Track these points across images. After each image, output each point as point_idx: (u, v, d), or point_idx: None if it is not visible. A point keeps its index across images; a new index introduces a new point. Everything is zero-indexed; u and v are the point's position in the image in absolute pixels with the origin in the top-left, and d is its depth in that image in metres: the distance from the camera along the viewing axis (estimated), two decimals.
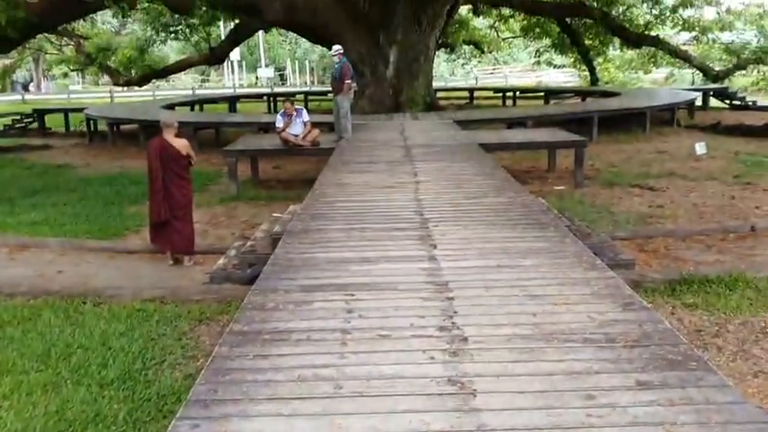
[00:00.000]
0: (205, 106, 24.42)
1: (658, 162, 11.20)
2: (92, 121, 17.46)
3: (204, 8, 18.97)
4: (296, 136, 9.78)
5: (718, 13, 26.76)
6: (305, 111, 10.05)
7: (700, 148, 11.59)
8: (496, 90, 28.02)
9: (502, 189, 5.95)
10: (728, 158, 11.39)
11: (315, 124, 11.12)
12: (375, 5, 17.90)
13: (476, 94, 28.50)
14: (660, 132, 15.12)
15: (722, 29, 25.68)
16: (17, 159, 14.36)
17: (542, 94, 24.91)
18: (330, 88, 12.20)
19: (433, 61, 19.89)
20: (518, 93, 26.28)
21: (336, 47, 10.84)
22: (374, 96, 17.85)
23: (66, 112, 21.16)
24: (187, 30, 23.71)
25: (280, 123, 9.86)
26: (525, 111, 15.92)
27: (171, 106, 19.66)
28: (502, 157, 10.89)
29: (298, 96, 28.94)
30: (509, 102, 25.52)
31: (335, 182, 6.61)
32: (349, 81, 10.47)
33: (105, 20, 35.82)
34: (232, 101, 24.55)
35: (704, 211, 7.65)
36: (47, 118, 20.68)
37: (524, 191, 5.86)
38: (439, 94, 23.95)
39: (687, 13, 24.91)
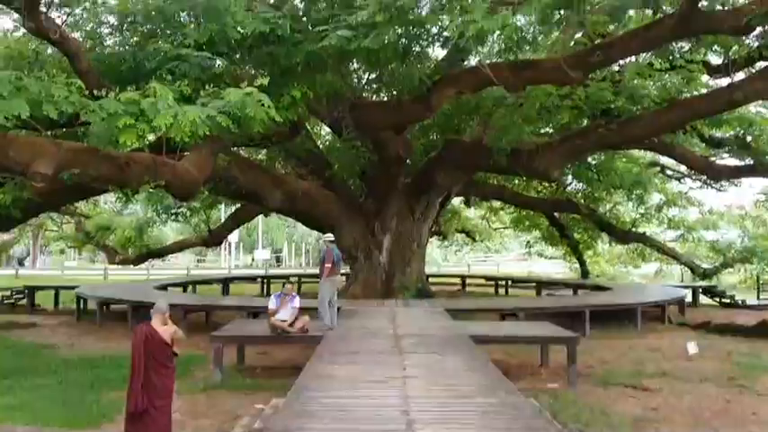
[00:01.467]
0: (199, 287, 24.49)
1: (652, 361, 11.03)
2: (82, 300, 17.40)
3: (207, 193, 19.73)
4: (284, 321, 9.67)
5: (702, 214, 27.94)
6: (298, 297, 10.04)
7: (692, 348, 11.50)
8: (488, 278, 28.37)
9: (493, 388, 5.78)
10: (722, 359, 11.24)
11: (305, 310, 11.15)
12: (371, 197, 18.65)
13: (468, 281, 28.83)
14: (652, 329, 15.08)
15: (707, 228, 26.66)
16: (0, 338, 14.11)
17: (534, 284, 25.15)
18: None
19: (425, 248, 20.34)
20: (510, 282, 26.55)
21: (328, 234, 11.25)
22: (367, 281, 18.02)
23: (57, 289, 21.18)
24: (188, 212, 24.45)
25: (272, 305, 9.80)
26: (517, 302, 15.98)
27: (164, 287, 19.71)
28: (493, 349, 10.78)
29: (291, 279, 29.28)
30: (501, 290, 25.73)
31: (321, 374, 6.44)
32: (329, 265, 10.67)
33: (108, 199, 37.05)
34: (225, 282, 24.69)
35: (699, 416, 7.39)
36: (37, 294, 20.64)
37: (516, 391, 5.68)
38: (431, 280, 24.21)
39: (672, 212, 26.02)
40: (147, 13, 12.27)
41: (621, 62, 14.41)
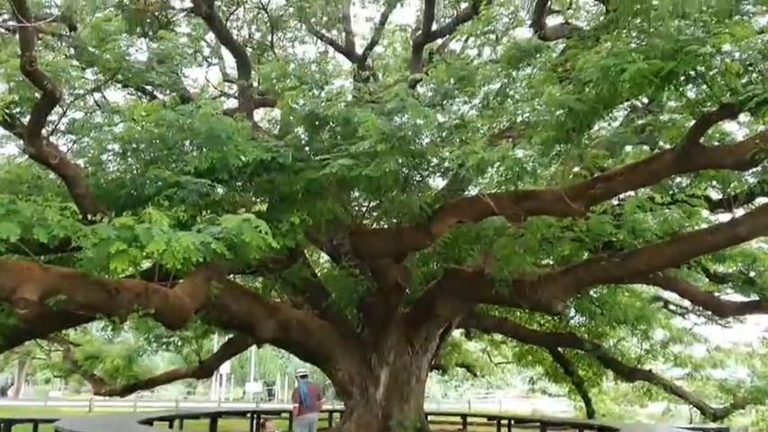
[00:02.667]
0: (186, 422, 23.34)
1: None
2: None
3: (199, 321, 19.19)
4: None
5: (708, 351, 27.18)
6: None
7: None
8: (491, 417, 27.12)
9: None
10: None
11: None
12: (369, 327, 18.11)
13: (469, 419, 27.55)
14: None
15: (714, 366, 25.84)
16: None
17: (538, 424, 24.00)
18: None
19: (425, 383, 19.49)
20: (513, 421, 25.32)
21: (301, 370, 10.94)
22: (362, 419, 17.09)
23: (36, 422, 20.09)
24: (179, 341, 23.76)
25: None
26: None
27: (149, 421, 18.66)
28: None
29: (284, 414, 28.00)
30: (503, 429, 24.48)
31: None
32: (296, 405, 10.29)
33: (99, 327, 36.22)
34: (214, 417, 23.49)
35: None
36: (15, 428, 19.53)
37: None
38: (430, 418, 23.10)
39: (677, 348, 25.29)
40: (149, 141, 12.41)
41: (622, 196, 14.41)
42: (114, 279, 10.58)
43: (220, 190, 11.99)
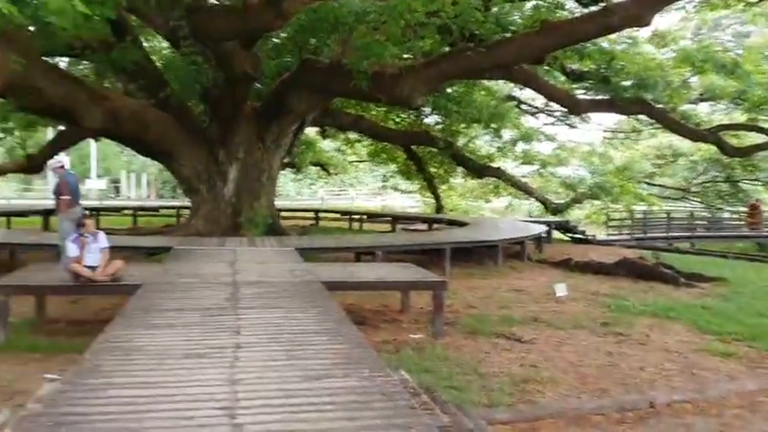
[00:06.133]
0: (15, 219, 21.28)
1: (519, 304, 10.25)
2: None
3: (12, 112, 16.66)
4: (91, 268, 7.70)
5: (554, 150, 28.31)
6: (102, 234, 8.02)
7: (560, 290, 10.87)
8: (343, 213, 27.18)
9: (352, 361, 4.39)
10: (588, 300, 10.69)
11: (125, 250, 9.23)
12: (215, 122, 16.54)
13: (322, 215, 27.51)
14: (512, 267, 14.53)
15: (559, 164, 27.02)
16: None
17: (389, 218, 24.31)
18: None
19: (276, 180, 18.58)
20: (365, 216, 25.51)
21: (55, 159, 9.65)
22: (210, 216, 16.11)
23: None
24: (1, 134, 20.95)
25: (73, 251, 7.78)
26: (374, 239, 14.75)
27: None
28: (349, 294, 9.50)
29: (125, 212, 26.48)
30: (355, 224, 24.66)
31: (120, 345, 4.73)
32: (66, 197, 9.16)
33: None
34: (46, 215, 21.53)
35: (585, 374, 6.50)
36: None
37: (382, 367, 4.32)
38: (283, 214, 22.58)
39: (526, 147, 25.99)
40: None
41: None
42: None
43: None
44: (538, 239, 17.16)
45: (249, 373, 4.09)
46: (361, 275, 8.86)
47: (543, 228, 17.78)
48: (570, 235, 22.83)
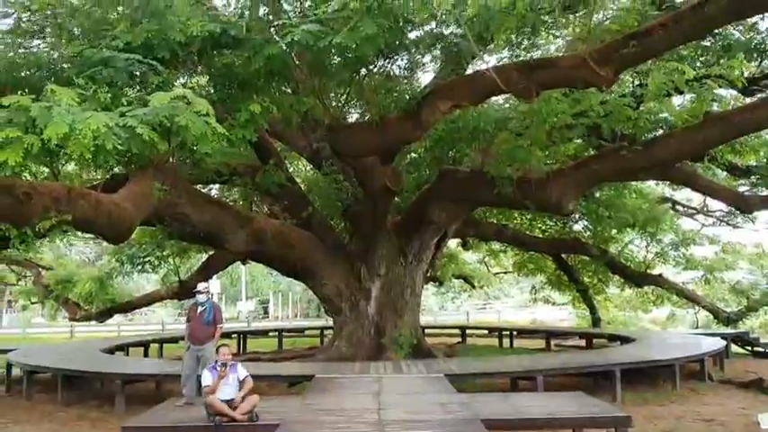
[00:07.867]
0: (168, 346, 21.77)
1: None
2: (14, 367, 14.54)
3: (171, 241, 17.26)
4: (228, 402, 7.05)
5: (717, 253, 25.61)
6: (240, 366, 7.42)
7: (765, 422, 8.93)
8: (491, 329, 25.70)
9: None
10: None
11: (265, 379, 8.60)
12: (356, 238, 16.28)
13: (468, 331, 26.15)
14: (692, 389, 12.54)
15: (726, 268, 24.28)
16: None
17: (542, 334, 22.56)
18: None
19: (420, 296, 17.77)
20: (515, 332, 23.87)
21: (203, 284, 9.17)
22: (353, 337, 15.50)
23: None
24: (156, 261, 21.93)
25: (208, 380, 7.21)
26: (532, 361, 13.27)
27: (119, 347, 17.03)
28: None
29: (271, 334, 26.51)
30: (505, 341, 23.07)
31: None
32: (222, 326, 8.78)
33: (79, 250, 34.32)
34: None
35: None
36: None
37: None
38: (428, 332, 21.61)
39: (686, 251, 23.64)
40: (71, 12, 10.00)
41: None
42: (26, 182, 8.52)
43: (161, 69, 9.56)
44: (718, 355, 14.90)
45: None
46: (527, 410, 7.53)
47: (722, 342, 15.47)
48: (749, 348, 19.90)
